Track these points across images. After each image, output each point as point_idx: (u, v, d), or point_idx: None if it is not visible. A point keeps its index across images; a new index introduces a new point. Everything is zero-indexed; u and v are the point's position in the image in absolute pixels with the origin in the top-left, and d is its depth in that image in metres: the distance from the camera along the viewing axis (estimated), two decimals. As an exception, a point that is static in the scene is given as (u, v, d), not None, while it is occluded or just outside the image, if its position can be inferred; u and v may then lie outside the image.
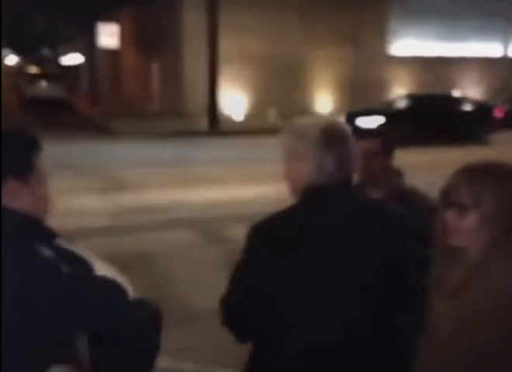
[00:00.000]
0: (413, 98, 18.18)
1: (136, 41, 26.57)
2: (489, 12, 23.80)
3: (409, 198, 2.36)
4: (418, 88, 23.78)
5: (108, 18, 26.28)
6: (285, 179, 1.73)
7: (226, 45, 19.35)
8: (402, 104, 17.82)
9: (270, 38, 21.19)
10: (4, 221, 1.17)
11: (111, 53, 29.07)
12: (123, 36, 26.23)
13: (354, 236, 1.63)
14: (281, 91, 20.24)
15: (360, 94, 21.08)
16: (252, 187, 9.83)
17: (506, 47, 23.72)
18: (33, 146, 1.30)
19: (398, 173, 2.48)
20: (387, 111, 16.83)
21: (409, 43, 23.83)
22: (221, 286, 1.79)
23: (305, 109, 21.11)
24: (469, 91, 25.09)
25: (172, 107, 21.39)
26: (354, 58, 22.45)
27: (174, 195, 9.25)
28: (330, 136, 1.65)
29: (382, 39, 23.32)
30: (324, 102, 22.70)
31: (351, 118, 16.02)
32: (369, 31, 22.71)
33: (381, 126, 15.12)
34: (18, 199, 1.23)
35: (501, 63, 24.00)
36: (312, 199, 1.65)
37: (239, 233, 2.10)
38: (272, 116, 19.92)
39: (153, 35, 23.71)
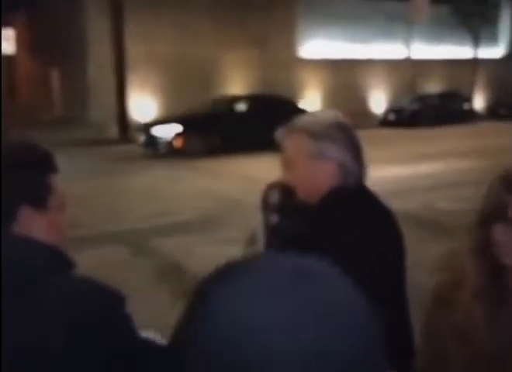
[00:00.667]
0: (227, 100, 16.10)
1: (33, 46, 25.09)
2: (392, 14, 24.44)
3: None
4: (328, 90, 24.00)
5: (4, 23, 24.61)
6: (297, 183, 1.58)
7: (134, 50, 18.63)
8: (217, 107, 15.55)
9: (179, 41, 20.62)
10: (24, 256, 0.99)
11: (6, 59, 27.32)
12: (19, 41, 24.69)
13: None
14: (192, 94, 19.65)
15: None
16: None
17: (408, 49, 24.38)
18: (49, 166, 1.10)
19: None
20: (186, 117, 14.70)
21: (318, 46, 24.01)
22: None
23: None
24: (377, 91, 25.65)
25: (76, 115, 20.26)
26: (263, 60, 22.33)
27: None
28: (346, 131, 1.58)
29: (290, 41, 23.35)
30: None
31: (146, 127, 14.76)
32: (278, 33, 22.67)
33: (178, 135, 13.80)
34: (33, 229, 1.05)
35: (405, 64, 24.66)
36: (343, 201, 1.54)
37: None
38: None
39: (52, 40, 22.42)
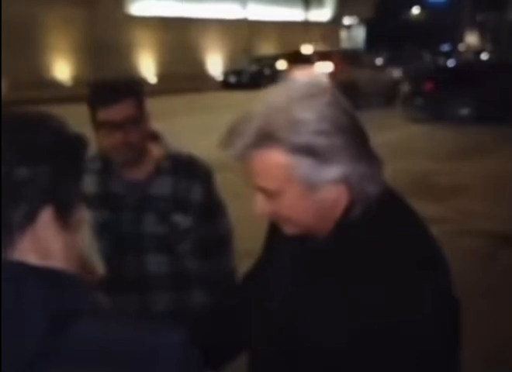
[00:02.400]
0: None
1: None
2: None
3: (194, 168, 1.78)
4: (162, 51, 22.85)
5: None
6: (287, 218, 1.00)
7: None
8: None
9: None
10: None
11: None
12: None
13: None
14: (11, 58, 17.28)
15: (102, 58, 19.30)
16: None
17: (244, 9, 23.90)
18: (83, 164, 0.78)
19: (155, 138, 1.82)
20: None
21: (150, 3, 22.55)
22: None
23: (42, 78, 18.58)
24: (213, 53, 24.92)
25: None
26: (90, 19, 20.38)
27: None
28: (342, 113, 0.96)
29: (120, -3, 21.62)
30: (63, 69, 20.32)
31: None
32: (106, -12, 20.81)
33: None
34: (52, 248, 0.73)
35: (241, 25, 24.16)
36: (366, 230, 0.98)
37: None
38: (4, 88, 16.90)
39: None
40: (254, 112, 0.94)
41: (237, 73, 21.88)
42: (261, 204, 1.00)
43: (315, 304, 1.01)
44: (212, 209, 1.74)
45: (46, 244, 0.74)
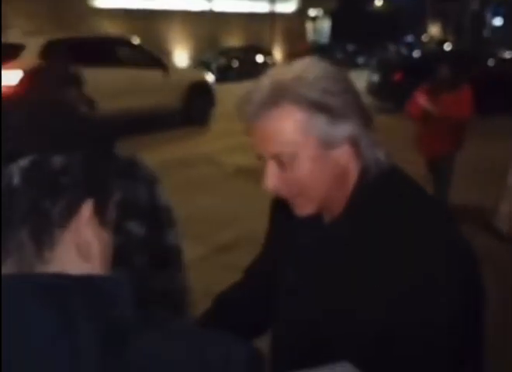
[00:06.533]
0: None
1: None
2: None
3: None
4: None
5: None
6: (304, 191, 0.98)
7: None
8: None
9: None
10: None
11: None
12: None
13: None
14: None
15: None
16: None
17: (209, 1, 23.72)
18: (113, 146, 0.69)
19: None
20: None
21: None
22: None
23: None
24: (179, 45, 24.66)
25: None
26: (53, 12, 19.94)
27: None
28: (344, 82, 0.99)
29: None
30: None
31: None
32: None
33: None
34: (93, 248, 0.64)
35: (206, 16, 23.96)
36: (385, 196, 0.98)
37: None
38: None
39: None
40: (264, 81, 0.96)
41: (204, 65, 21.73)
42: (273, 177, 0.97)
43: (340, 292, 0.99)
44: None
45: (87, 244, 0.64)
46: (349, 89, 0.98)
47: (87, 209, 0.63)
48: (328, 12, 36.42)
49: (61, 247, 0.61)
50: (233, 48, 24.10)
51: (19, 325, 0.54)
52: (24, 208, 0.58)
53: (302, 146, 0.94)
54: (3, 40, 8.72)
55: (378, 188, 0.98)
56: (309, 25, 34.41)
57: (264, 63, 24.26)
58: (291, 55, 14.04)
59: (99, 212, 0.65)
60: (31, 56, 8.13)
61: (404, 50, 34.58)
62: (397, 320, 0.90)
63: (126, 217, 1.55)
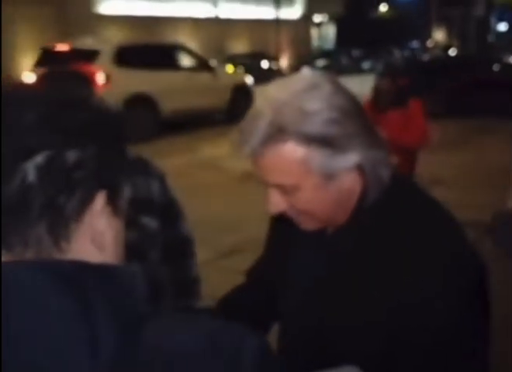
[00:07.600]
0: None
1: None
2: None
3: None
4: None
5: None
6: (304, 211, 0.98)
7: None
8: None
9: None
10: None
11: None
12: None
13: None
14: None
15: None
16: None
17: (215, 7, 23.82)
18: (125, 136, 0.70)
19: None
20: None
21: (120, 2, 22.31)
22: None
23: (9, 77, 18.26)
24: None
25: None
26: (57, 18, 20.06)
27: None
28: (348, 100, 0.95)
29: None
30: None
31: None
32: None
33: None
34: (107, 238, 0.66)
35: (212, 23, 24.06)
36: (387, 210, 0.98)
37: None
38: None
39: None
40: (260, 109, 0.92)
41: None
42: (275, 201, 0.98)
43: (343, 301, 1.00)
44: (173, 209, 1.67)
45: (101, 234, 0.66)
46: (354, 114, 0.94)
47: (100, 200, 0.65)
48: (333, 18, 36.47)
49: (77, 238, 0.63)
50: (238, 54, 24.16)
51: (39, 312, 0.55)
52: (40, 204, 0.59)
53: (303, 179, 0.93)
54: (80, 46, 9.98)
55: (381, 199, 0.98)
56: (314, 31, 34.48)
57: (270, 69, 24.36)
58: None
59: (112, 202, 0.67)
60: (106, 60, 9.61)
61: (409, 55, 34.59)
62: (397, 326, 0.90)
63: (141, 212, 1.56)
